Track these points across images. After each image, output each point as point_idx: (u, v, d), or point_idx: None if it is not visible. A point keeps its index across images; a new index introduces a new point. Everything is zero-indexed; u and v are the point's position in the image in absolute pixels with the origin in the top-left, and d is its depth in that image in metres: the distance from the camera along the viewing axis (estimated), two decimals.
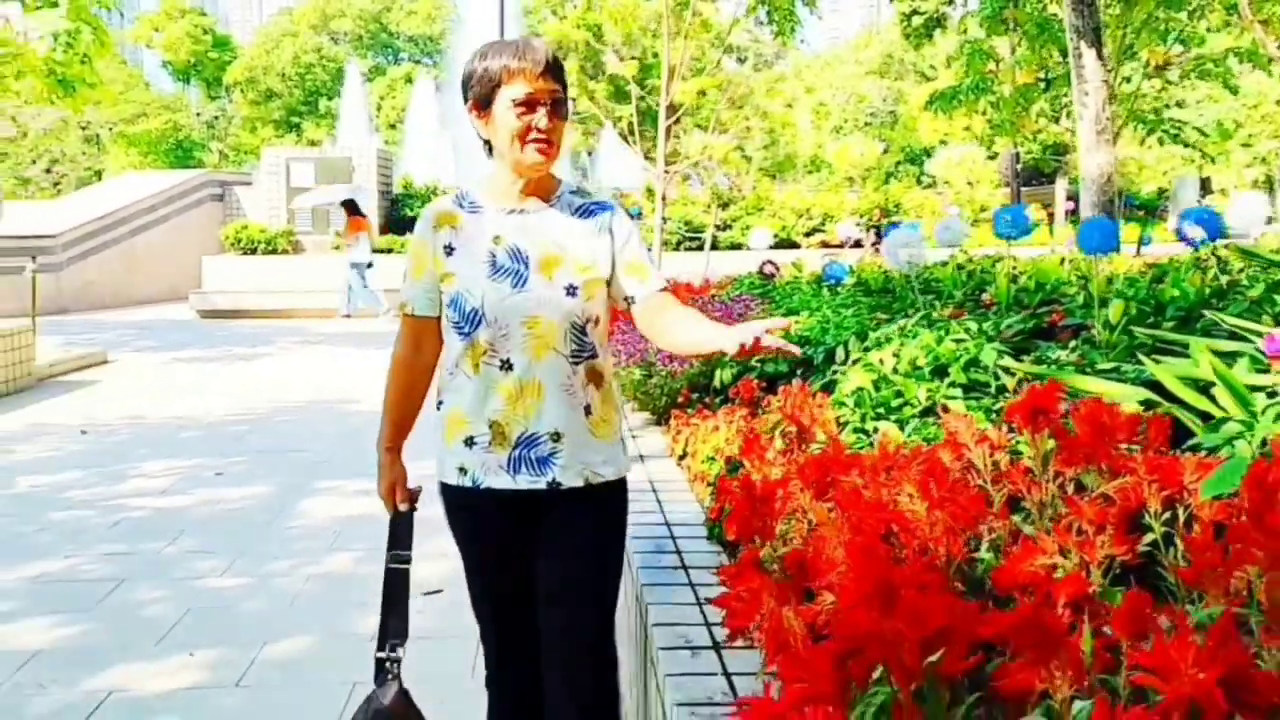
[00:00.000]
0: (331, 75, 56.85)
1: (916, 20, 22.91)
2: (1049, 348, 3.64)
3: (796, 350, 1.95)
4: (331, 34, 62.18)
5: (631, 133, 18.28)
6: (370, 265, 16.09)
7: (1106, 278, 4.97)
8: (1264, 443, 1.82)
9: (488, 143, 2.10)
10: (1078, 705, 1.09)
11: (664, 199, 16.92)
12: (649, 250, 2.24)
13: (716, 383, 4.46)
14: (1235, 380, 2.19)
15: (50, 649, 3.48)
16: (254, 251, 18.84)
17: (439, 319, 2.13)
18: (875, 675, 1.32)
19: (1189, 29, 17.46)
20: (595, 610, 2.12)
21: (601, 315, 2.11)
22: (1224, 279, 4.50)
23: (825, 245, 19.36)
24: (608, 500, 2.13)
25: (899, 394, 2.85)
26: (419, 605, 3.80)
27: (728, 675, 1.97)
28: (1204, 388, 2.46)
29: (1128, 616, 1.21)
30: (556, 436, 2.02)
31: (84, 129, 50.71)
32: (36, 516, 5.10)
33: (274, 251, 18.83)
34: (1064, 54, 13.17)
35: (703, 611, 2.33)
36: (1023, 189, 29.02)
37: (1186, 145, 21.04)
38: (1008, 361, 3.07)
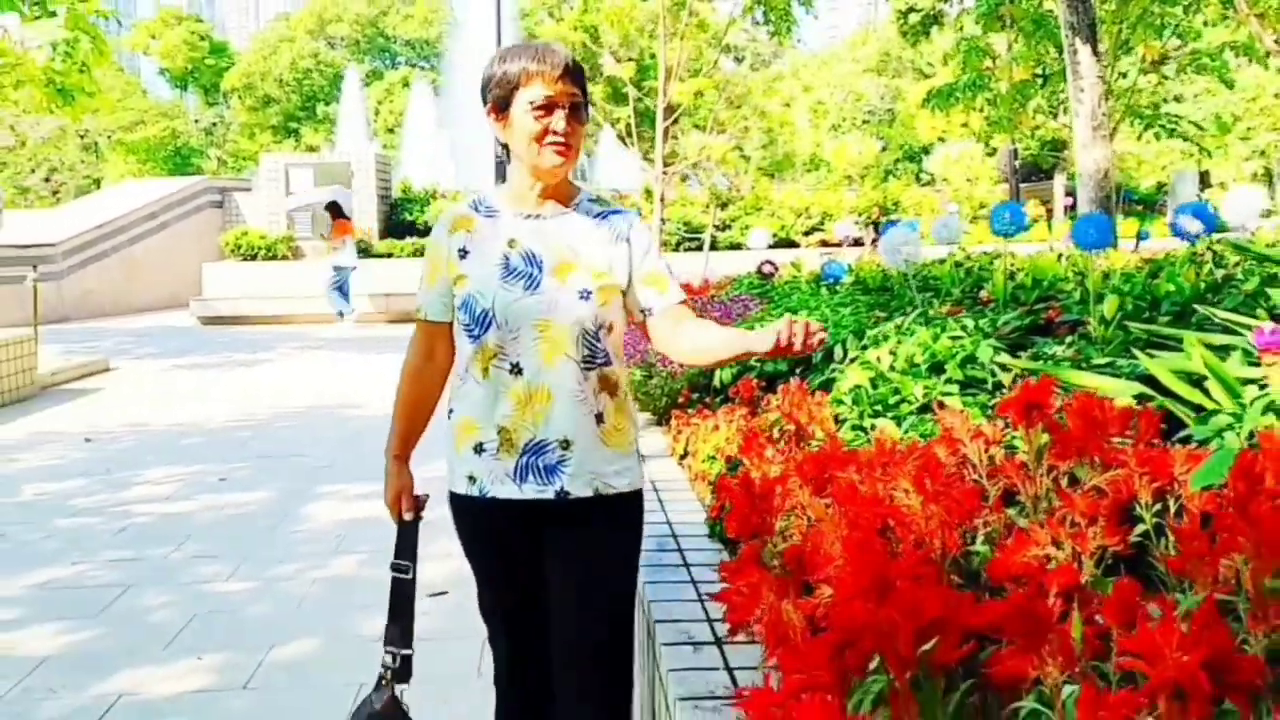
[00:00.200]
0: (329, 80, 56.93)
1: (913, 18, 22.94)
2: (1045, 344, 3.67)
3: (825, 335, 1.86)
4: (328, 39, 62.24)
5: (629, 134, 18.33)
6: (355, 268, 16.10)
7: (1103, 274, 5.00)
8: (1252, 434, 1.85)
9: (506, 147, 2.08)
10: (1068, 690, 1.12)
11: (662, 200, 16.98)
12: None
13: (716, 383, 4.49)
14: (1226, 373, 2.22)
15: (59, 654, 3.51)
16: (254, 258, 18.88)
17: (451, 325, 2.10)
18: (872, 665, 1.35)
19: (1184, 23, 17.48)
20: (608, 625, 2.05)
21: (616, 323, 2.07)
22: (1219, 274, 4.53)
23: (824, 244, 19.40)
24: (620, 513, 2.08)
25: (896, 391, 2.88)
26: (424, 607, 3.81)
27: (729, 670, 2.01)
28: (1197, 381, 2.49)
29: (1118, 605, 1.24)
30: (565, 444, 1.98)
31: (82, 137, 50.75)
32: (42, 524, 5.13)
33: (274, 257, 18.87)
34: (1060, 50, 13.19)
35: (704, 608, 2.36)
36: (1021, 185, 29.07)
37: (1185, 139, 21.07)
38: (1004, 358, 3.10)
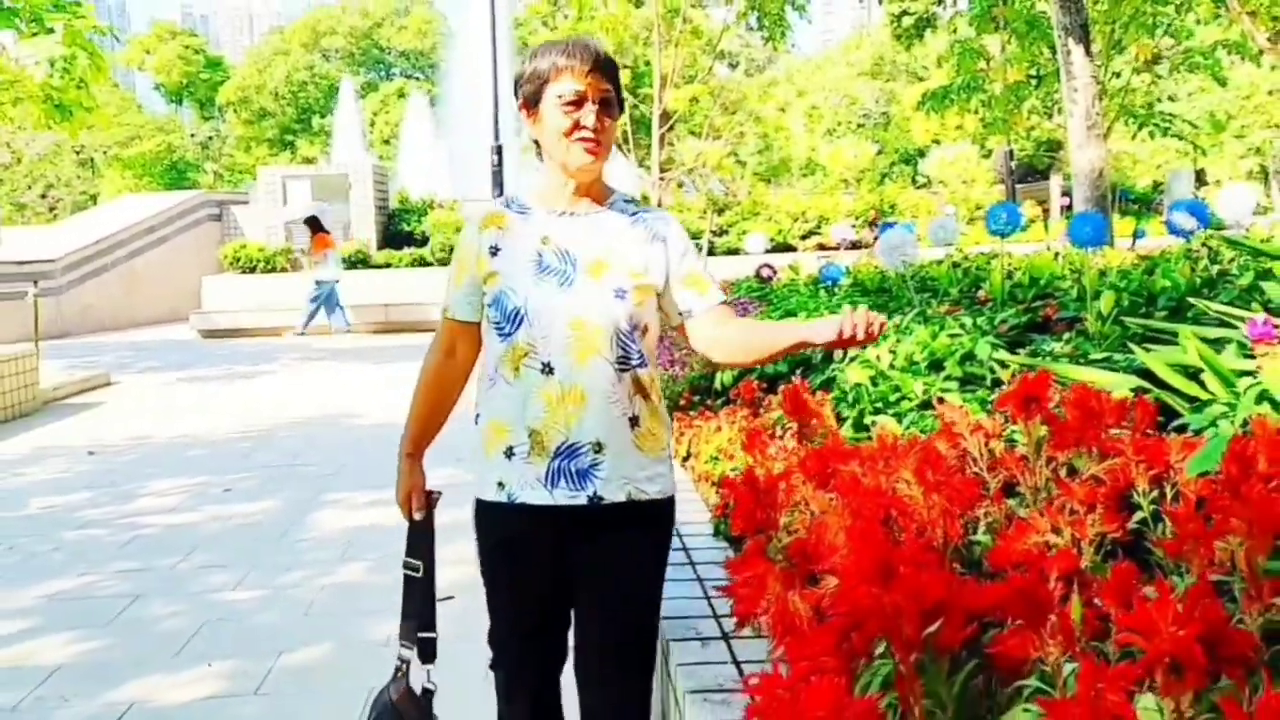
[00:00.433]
0: (324, 93, 57.08)
1: (906, 21, 23.03)
2: (1043, 341, 3.71)
3: (886, 324, 1.83)
4: (323, 52, 62.41)
5: (625, 141, 18.38)
6: (338, 281, 16.15)
7: (1100, 271, 5.04)
8: (1245, 422, 1.89)
9: (538, 144, 2.04)
10: (1069, 668, 1.16)
11: (659, 206, 17.01)
12: None
13: (717, 385, 4.53)
14: (1220, 364, 2.25)
15: (70, 664, 3.54)
16: (253, 270, 18.93)
17: (477, 326, 2.07)
18: (878, 651, 1.39)
19: (1177, 22, 17.56)
20: (636, 631, 2.04)
21: (651, 325, 2.02)
22: (1214, 269, 4.57)
23: (821, 248, 19.45)
24: (653, 521, 2.04)
25: (896, 389, 2.92)
26: None
27: (737, 663, 2.04)
28: (1193, 374, 2.53)
29: (1116, 587, 1.28)
30: (598, 447, 1.92)
31: (78, 153, 50.84)
32: (49, 536, 5.16)
33: (273, 270, 18.92)
34: (1054, 51, 13.26)
35: (710, 605, 2.40)
36: (1017, 186, 29.12)
37: (1179, 138, 21.14)
38: (1002, 354, 3.14)
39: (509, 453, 1.96)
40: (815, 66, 56.88)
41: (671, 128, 24.72)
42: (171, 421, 8.62)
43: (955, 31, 21.43)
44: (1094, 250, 5.23)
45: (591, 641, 2.04)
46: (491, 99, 19.72)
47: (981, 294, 5.04)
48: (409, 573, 2.20)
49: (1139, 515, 1.66)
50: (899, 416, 2.79)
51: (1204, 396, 2.27)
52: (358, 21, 63.27)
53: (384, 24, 63.64)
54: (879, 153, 45.61)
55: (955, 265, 6.35)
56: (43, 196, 47.87)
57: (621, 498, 1.95)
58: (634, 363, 1.97)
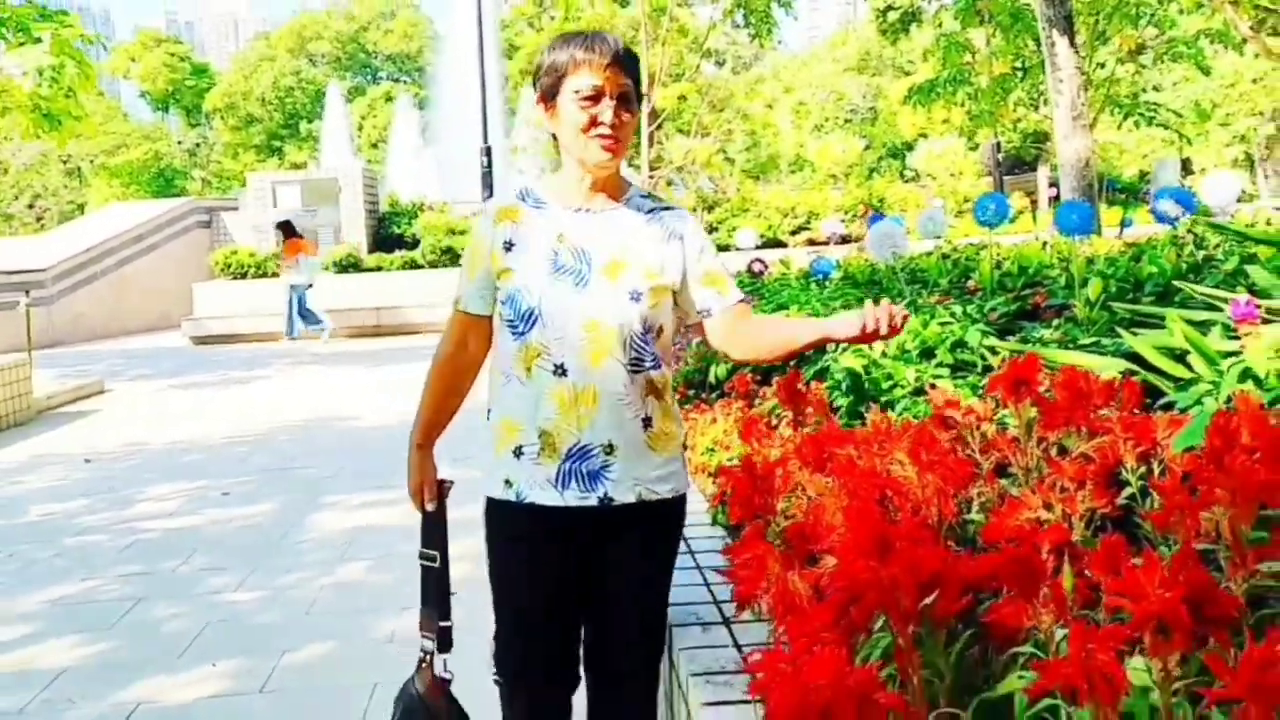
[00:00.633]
0: (311, 98, 56.98)
1: (892, 15, 23.11)
2: (1033, 328, 3.76)
3: (909, 316, 1.83)
4: (310, 56, 62.31)
5: None
6: (310, 286, 16.13)
7: (1087, 259, 5.10)
8: (1229, 399, 1.93)
9: (555, 137, 2.01)
10: (1060, 634, 1.20)
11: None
12: None
13: (711, 378, 4.57)
14: (1206, 345, 2.30)
15: (76, 666, 3.56)
16: (244, 276, 18.89)
17: (489, 319, 2.05)
18: (877, 626, 1.43)
19: (1160, 12, 17.66)
20: (646, 629, 2.07)
21: (666, 325, 2.00)
22: (1199, 255, 4.63)
23: (811, 243, 19.52)
24: (664, 519, 2.04)
25: (889, 377, 2.96)
26: None
27: (737, 646, 2.08)
28: (1180, 356, 2.57)
29: (1105, 558, 1.31)
30: (610, 449, 1.92)
31: (65, 162, 50.71)
32: (50, 543, 5.18)
33: (264, 275, 18.88)
34: (1038, 43, 13.34)
35: (711, 591, 2.44)
36: (1005, 178, 29.23)
37: (1164, 127, 21.26)
38: (992, 341, 3.18)
39: (518, 452, 1.96)
40: (802, 63, 57.00)
41: (660, 126, 24.78)
42: (167, 428, 8.63)
43: (940, 25, 21.52)
44: (1081, 239, 5.29)
45: (603, 636, 2.06)
46: (479, 101, 19.74)
47: (971, 284, 5.10)
48: (426, 563, 2.18)
49: (1128, 491, 1.70)
50: (891, 404, 2.83)
51: (1190, 377, 2.31)
52: (344, 26, 63.19)
53: (370, 28, 63.57)
54: (867, 148, 45.72)
55: (944, 256, 6.41)
56: (30, 206, 47.72)
57: (632, 499, 1.95)
58: (647, 365, 1.96)
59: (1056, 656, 1.19)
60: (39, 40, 10.03)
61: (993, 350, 3.15)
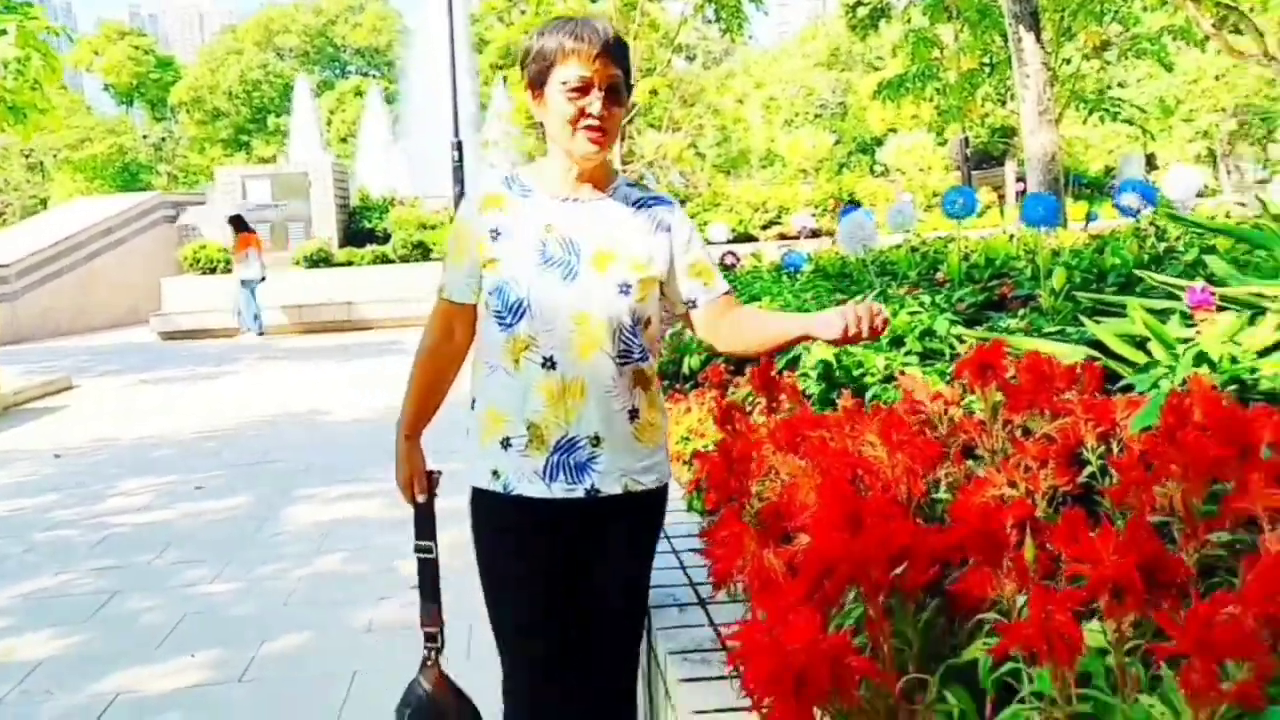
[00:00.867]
0: (279, 92, 56.51)
1: (861, 11, 23.23)
2: (1000, 317, 3.85)
3: (889, 317, 1.83)
4: (277, 50, 61.76)
5: None
6: (263, 279, 16.08)
7: (1053, 251, 5.20)
8: (1185, 381, 2.01)
9: (542, 125, 1.97)
10: (1021, 600, 1.26)
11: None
12: None
13: (685, 369, 4.62)
14: (1164, 331, 2.38)
15: (53, 658, 3.57)
16: (213, 271, 18.74)
17: (474, 307, 2.03)
18: (849, 599, 1.49)
19: (1124, 9, 17.90)
20: (629, 617, 2.09)
21: (654, 317, 1.99)
22: (1161, 246, 4.74)
23: (782, 237, 19.63)
24: (647, 510, 2.04)
25: (859, 364, 3.02)
26: (408, 598, 3.91)
27: (713, 625, 2.13)
28: (1140, 342, 2.66)
29: (1065, 531, 1.38)
30: (596, 440, 1.91)
31: (27, 156, 49.98)
32: (21, 538, 5.15)
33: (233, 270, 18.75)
34: (1005, 39, 13.50)
35: (686, 574, 2.49)
36: (973, 172, 29.49)
37: (1129, 123, 21.55)
38: (960, 330, 3.26)
39: (505, 443, 1.94)
40: (772, 58, 57.20)
41: (631, 120, 24.81)
42: (136, 423, 8.58)
43: (909, 21, 21.69)
44: (1047, 231, 5.39)
45: (587, 619, 2.06)
46: (450, 95, 19.67)
47: (939, 275, 5.18)
48: (422, 555, 2.16)
49: (1088, 469, 1.77)
50: (862, 391, 2.89)
51: (1149, 362, 2.39)
52: (311, 19, 62.68)
53: (338, 21, 63.10)
54: (837, 142, 46.00)
55: (913, 249, 6.50)
56: None
57: (618, 490, 1.94)
58: (635, 356, 1.95)
59: (1017, 618, 1.25)
60: (4, 32, 9.90)
61: (960, 339, 3.22)
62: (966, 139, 27.72)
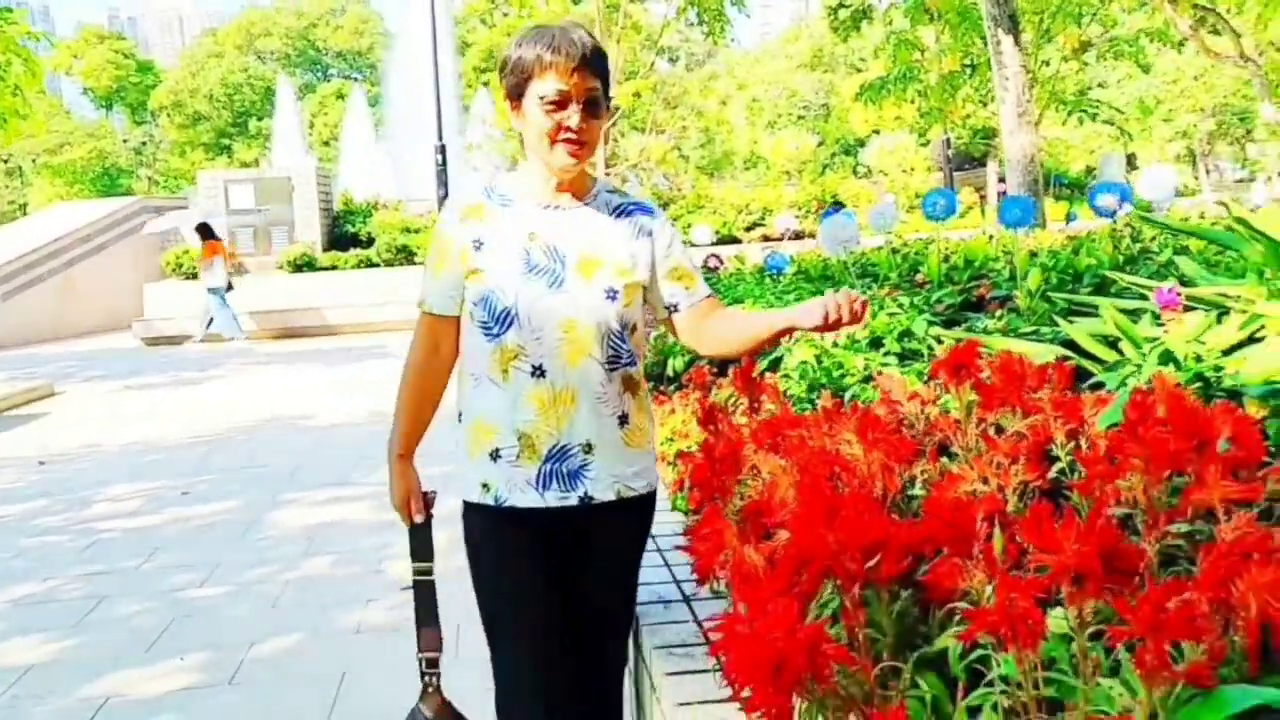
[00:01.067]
0: (260, 95, 56.33)
1: (843, 13, 23.35)
2: (978, 318, 3.92)
3: (869, 303, 1.84)
4: (258, 53, 61.56)
5: None
6: (230, 288, 16.11)
7: (1031, 252, 5.28)
8: (1150, 379, 2.07)
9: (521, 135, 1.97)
10: (990, 589, 1.31)
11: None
12: None
13: (670, 371, 4.67)
14: (1134, 331, 2.45)
15: (43, 663, 3.58)
16: (195, 276, 18.65)
17: (458, 320, 2.00)
18: (826, 592, 1.54)
19: (1102, 11, 18.08)
20: (618, 620, 2.10)
21: (639, 322, 2.00)
22: (1136, 247, 4.82)
23: (766, 239, 19.72)
24: (638, 516, 2.05)
25: (839, 365, 3.08)
26: (396, 600, 3.97)
27: (696, 621, 2.19)
28: (1112, 342, 2.73)
29: (1032, 523, 1.44)
30: (588, 448, 1.91)
31: (5, 161, 49.69)
32: (8, 545, 5.16)
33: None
34: (986, 41, 13.63)
35: (671, 572, 2.55)
36: (956, 173, 29.69)
37: (1108, 124, 21.74)
38: (938, 331, 3.32)
39: (495, 454, 1.92)
40: (755, 60, 57.41)
41: (615, 123, 24.86)
42: (121, 429, 8.57)
43: (891, 23, 21.82)
44: (1026, 232, 5.47)
45: (579, 623, 2.06)
46: (433, 98, 19.68)
47: (920, 277, 5.25)
48: (420, 578, 2.12)
49: (1058, 465, 1.83)
50: (842, 391, 2.95)
51: (1119, 360, 2.46)
52: (292, 22, 62.52)
53: (319, 24, 62.97)
54: (820, 144, 46.21)
55: (894, 251, 6.57)
56: None
57: (611, 496, 1.95)
58: (624, 362, 1.95)
59: (986, 605, 1.31)
60: None
61: (938, 340, 3.29)
62: (948, 140, 27.90)
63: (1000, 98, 11.57)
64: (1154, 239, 5.17)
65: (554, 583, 1.98)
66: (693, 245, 16.53)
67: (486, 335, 1.92)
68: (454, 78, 35.09)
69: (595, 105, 1.89)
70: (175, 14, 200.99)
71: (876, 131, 39.35)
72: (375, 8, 67.50)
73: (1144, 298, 3.17)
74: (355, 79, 60.13)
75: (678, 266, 2.03)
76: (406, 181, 26.19)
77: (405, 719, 2.12)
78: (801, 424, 2.10)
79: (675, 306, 2.02)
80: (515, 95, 1.92)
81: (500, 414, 1.91)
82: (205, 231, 16.37)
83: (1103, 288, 3.96)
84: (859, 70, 42.85)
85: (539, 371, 1.88)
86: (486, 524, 1.97)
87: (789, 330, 1.94)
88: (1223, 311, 2.38)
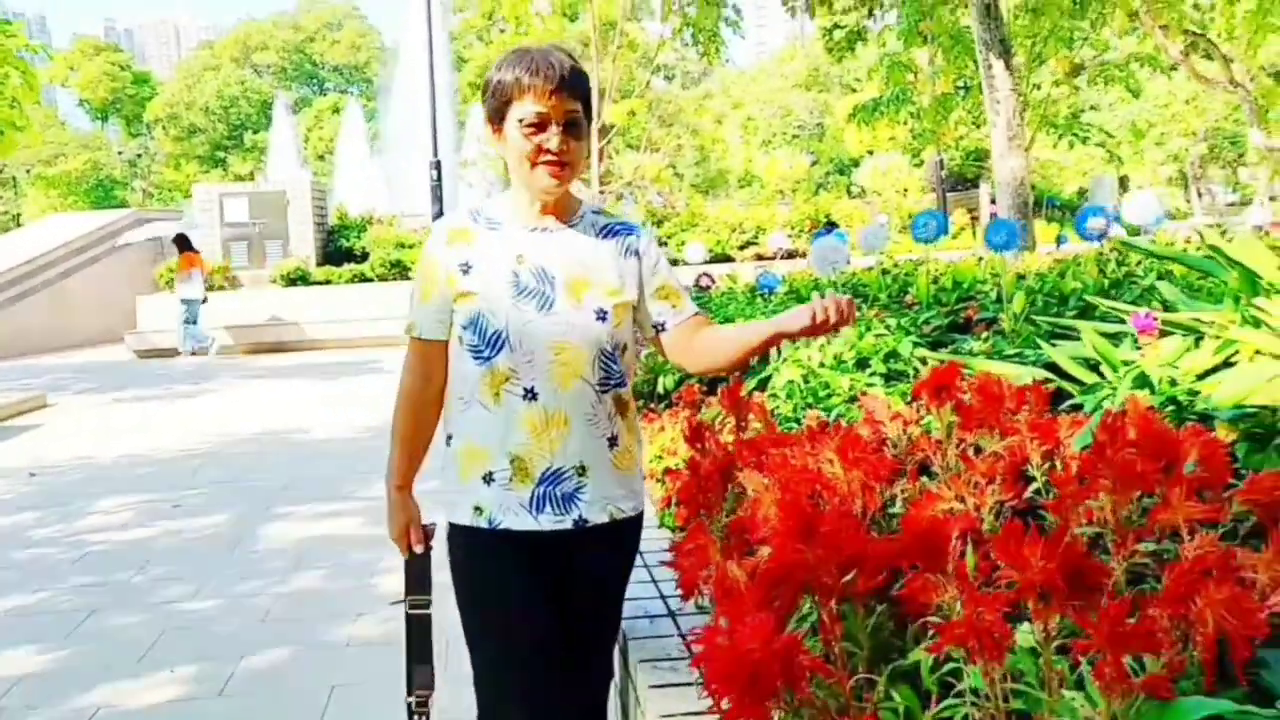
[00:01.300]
0: (256, 108, 56.49)
1: (838, 34, 23.53)
2: (964, 340, 3.97)
3: (853, 302, 1.84)
4: (254, 66, 61.76)
5: None
6: (205, 300, 16.16)
7: (1019, 275, 5.35)
8: (1124, 402, 2.12)
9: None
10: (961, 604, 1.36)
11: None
12: None
13: (660, 389, 4.72)
14: (1112, 354, 2.50)
15: (34, 674, 3.60)
16: None
17: (447, 344, 1.98)
18: (805, 607, 1.59)
19: (1093, 36, 18.26)
20: (605, 641, 2.11)
21: (629, 342, 2.00)
22: (1121, 271, 4.89)
23: (759, 258, 19.80)
24: (627, 537, 2.05)
25: (825, 385, 3.13)
26: (385, 614, 3.99)
27: (681, 635, 2.23)
28: (1093, 365, 2.79)
29: (1003, 541, 1.49)
30: (582, 470, 1.92)
31: None
32: None
33: (210, 288, 18.71)
34: (978, 64, 13.76)
35: (658, 587, 2.59)
36: (949, 195, 29.85)
37: (1100, 146, 21.92)
38: (923, 352, 3.38)
39: (487, 478, 1.91)
40: (750, 79, 57.72)
41: (610, 141, 24.97)
42: (113, 441, 8.58)
43: (885, 45, 22.00)
44: (1015, 255, 5.54)
45: (568, 633, 2.03)
46: (429, 113, 19.77)
47: (909, 298, 5.31)
48: (417, 612, 2.07)
49: (1034, 486, 1.88)
50: (827, 410, 3.00)
51: (1098, 383, 2.51)
52: (289, 35, 62.78)
53: (316, 38, 63.23)
54: (814, 163, 46.43)
55: (885, 272, 6.64)
56: None
57: (604, 519, 1.95)
58: (614, 383, 1.96)
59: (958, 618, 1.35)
60: None
61: (924, 361, 3.34)
62: (942, 161, 28.09)
63: (991, 121, 11.69)
64: (1139, 264, 5.25)
65: (547, 599, 1.96)
66: (686, 264, 16.64)
67: (476, 359, 1.91)
68: (450, 93, 35.23)
69: (575, 126, 1.89)
70: (172, 26, 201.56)
71: (870, 152, 39.57)
72: (372, 23, 67.78)
73: (1125, 322, 3.24)
74: (351, 93, 60.33)
75: (664, 285, 2.03)
76: (401, 197, 26.30)
77: None
78: (785, 443, 2.15)
79: (662, 325, 2.03)
80: (496, 119, 1.92)
81: (491, 437, 1.91)
82: (183, 243, 16.43)
83: (1086, 311, 4.02)
84: (854, 90, 43.13)
85: (531, 394, 1.88)
86: (477, 544, 1.95)
87: (778, 337, 1.92)
88: (1199, 336, 2.44)
